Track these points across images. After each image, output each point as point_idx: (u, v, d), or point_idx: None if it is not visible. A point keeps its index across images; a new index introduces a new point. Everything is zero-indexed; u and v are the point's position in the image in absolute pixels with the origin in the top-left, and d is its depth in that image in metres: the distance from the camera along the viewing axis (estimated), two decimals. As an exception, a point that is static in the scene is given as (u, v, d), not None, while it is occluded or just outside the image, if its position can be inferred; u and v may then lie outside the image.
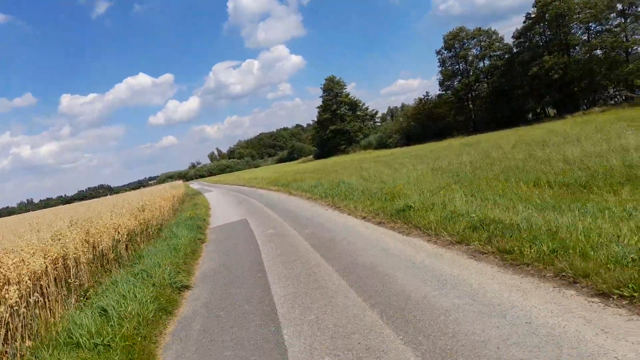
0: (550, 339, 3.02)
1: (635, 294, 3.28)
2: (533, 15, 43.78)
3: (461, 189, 8.68)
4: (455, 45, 52.51)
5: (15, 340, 4.16)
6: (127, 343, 4.11)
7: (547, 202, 6.44)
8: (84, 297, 5.67)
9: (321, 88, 74.02)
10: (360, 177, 16.65)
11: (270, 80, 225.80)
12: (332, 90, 73.17)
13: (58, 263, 5.79)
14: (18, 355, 4.03)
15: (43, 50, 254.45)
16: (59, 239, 6.18)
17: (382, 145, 60.29)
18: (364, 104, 73.65)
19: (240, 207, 16.76)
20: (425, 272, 4.95)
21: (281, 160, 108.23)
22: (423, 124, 55.43)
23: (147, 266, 6.48)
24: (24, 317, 4.38)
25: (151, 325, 4.71)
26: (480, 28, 50.91)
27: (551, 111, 46.08)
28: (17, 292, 4.26)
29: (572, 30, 42.82)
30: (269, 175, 38.75)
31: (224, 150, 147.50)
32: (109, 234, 7.34)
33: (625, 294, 3.34)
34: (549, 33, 43.97)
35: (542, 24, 43.17)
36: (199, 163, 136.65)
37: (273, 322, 4.41)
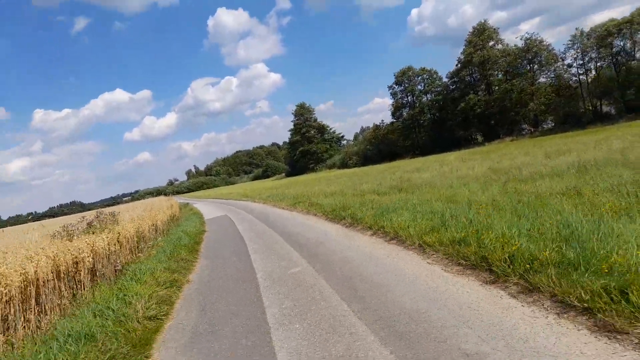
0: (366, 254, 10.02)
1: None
2: (462, 60, 52.75)
3: (341, 196, 15.88)
4: (405, 81, 61.17)
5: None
6: (195, 240, 10.92)
7: (381, 194, 13.58)
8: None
9: (292, 113, 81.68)
10: (300, 190, 23.88)
11: (249, 97, 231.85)
12: (303, 115, 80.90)
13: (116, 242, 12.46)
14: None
15: (18, 64, 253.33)
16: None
17: (344, 165, 67.99)
18: (331, 128, 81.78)
19: (222, 210, 23.51)
20: (303, 225, 11.92)
21: (256, 178, 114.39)
22: (378, 148, 63.56)
23: (185, 229, 13.35)
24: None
25: (199, 235, 11.55)
26: (424, 68, 59.86)
27: (480, 138, 54.77)
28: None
29: (495, 73, 52.01)
30: (240, 191, 45.86)
31: (202, 167, 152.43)
32: (157, 219, 14.08)
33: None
34: (475, 75, 53.02)
35: (469, 68, 52.14)
36: (176, 180, 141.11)
37: (243, 243, 11.25)
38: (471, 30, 52.10)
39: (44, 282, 5.52)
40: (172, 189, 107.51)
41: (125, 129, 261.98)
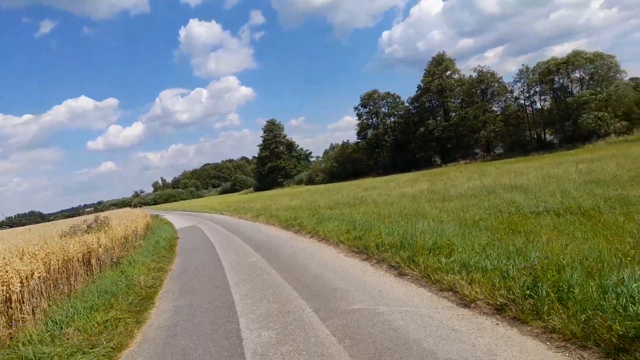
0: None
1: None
2: (422, 87, 57.50)
3: (298, 210, 18.88)
4: (370, 103, 65.46)
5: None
6: (170, 244, 13.53)
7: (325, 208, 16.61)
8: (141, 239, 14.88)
9: (262, 129, 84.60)
10: (264, 204, 26.71)
11: (219, 110, 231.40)
12: (272, 132, 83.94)
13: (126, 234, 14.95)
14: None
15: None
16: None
17: (311, 181, 71.19)
18: (298, 145, 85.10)
19: (191, 221, 25.95)
20: (261, 232, 14.76)
21: (225, 192, 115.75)
22: (344, 166, 67.24)
23: (160, 235, 15.88)
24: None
25: (174, 240, 14.16)
26: (388, 92, 64.43)
27: (438, 160, 59.30)
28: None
29: (452, 101, 56.98)
30: (208, 204, 48.07)
31: (169, 179, 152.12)
32: (137, 226, 16.54)
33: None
34: (434, 102, 57.85)
35: (428, 95, 56.89)
36: (142, 191, 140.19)
37: (211, 244, 13.96)
38: (430, 60, 57.17)
39: (76, 260, 8.17)
40: (138, 201, 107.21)
41: (88, 137, 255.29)
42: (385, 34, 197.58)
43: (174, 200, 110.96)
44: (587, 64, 45.11)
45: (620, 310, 3.22)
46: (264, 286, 7.05)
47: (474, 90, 54.17)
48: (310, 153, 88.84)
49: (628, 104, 43.02)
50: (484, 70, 52.87)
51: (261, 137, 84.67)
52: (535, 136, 50.60)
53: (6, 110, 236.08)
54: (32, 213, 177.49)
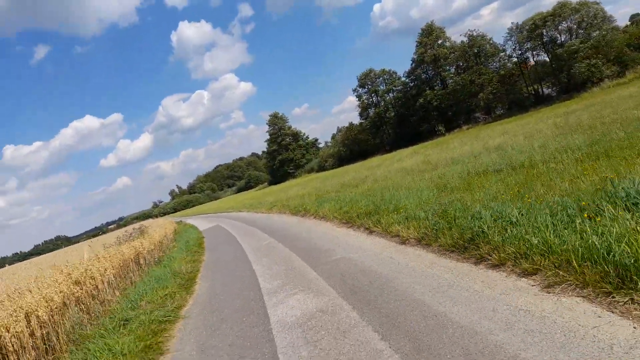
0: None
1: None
2: (416, 60, 58.74)
3: (306, 197, 21.20)
4: (368, 83, 66.93)
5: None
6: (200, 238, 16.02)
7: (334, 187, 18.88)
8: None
9: (267, 123, 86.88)
10: (277, 196, 29.19)
11: (222, 109, 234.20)
12: (277, 124, 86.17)
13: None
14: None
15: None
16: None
17: (321, 168, 73.46)
18: (304, 134, 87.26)
19: (212, 222, 28.55)
20: (274, 221, 17.12)
21: (240, 190, 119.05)
22: (351, 148, 69.24)
23: (188, 237, 18.42)
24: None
25: (201, 239, 16.68)
26: (384, 69, 65.72)
27: (442, 128, 60.68)
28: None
29: (447, 68, 58.16)
30: (225, 204, 50.89)
31: (184, 186, 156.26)
32: (167, 231, 19.10)
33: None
34: (430, 72, 59.13)
35: (422, 66, 58.17)
36: (161, 202, 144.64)
37: (232, 236, 16.40)
38: (420, 31, 58.23)
39: (130, 260, 10.67)
40: (158, 211, 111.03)
41: (99, 156, 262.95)
42: (376, 7, 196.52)
43: (193, 206, 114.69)
44: (573, 13, 45.86)
45: (475, 228, 5.43)
46: (276, 257, 9.41)
47: (467, 55, 55.27)
48: (316, 140, 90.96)
49: (619, 47, 43.79)
50: (474, 33, 53.94)
51: (267, 131, 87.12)
52: (533, 92, 51.67)
53: (16, 141, 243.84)
54: (58, 238, 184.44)
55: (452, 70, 58.44)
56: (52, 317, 6.09)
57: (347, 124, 76.50)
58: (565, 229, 4.39)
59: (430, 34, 57.15)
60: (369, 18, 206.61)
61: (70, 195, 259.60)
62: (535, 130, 18.58)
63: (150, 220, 72.41)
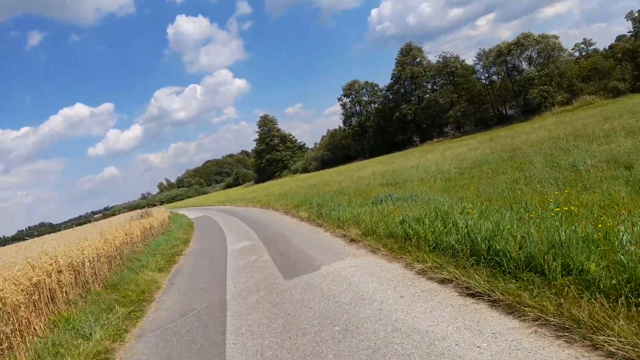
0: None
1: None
2: (395, 76, 65.42)
3: (278, 195, 27.59)
4: (352, 93, 73.49)
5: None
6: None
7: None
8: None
9: (257, 124, 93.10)
10: (257, 194, 35.49)
11: (215, 104, 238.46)
12: (266, 126, 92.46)
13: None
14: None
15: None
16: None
17: (305, 170, 79.80)
18: (292, 136, 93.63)
19: (200, 212, 34.77)
20: (248, 211, 23.44)
21: (228, 186, 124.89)
22: (334, 152, 75.73)
23: (181, 221, 24.69)
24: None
25: (191, 223, 23.02)
26: (367, 81, 72.37)
27: (417, 140, 67.45)
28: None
29: (423, 85, 64.90)
30: (213, 199, 57.18)
31: (172, 179, 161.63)
32: (164, 216, 25.29)
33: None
34: (408, 87, 65.83)
35: (400, 82, 64.88)
36: (149, 194, 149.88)
37: (215, 221, 22.70)
38: (399, 50, 64.97)
39: (147, 228, 16.93)
40: (145, 202, 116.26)
41: (88, 145, 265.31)
42: (374, 11, 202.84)
43: (180, 199, 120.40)
44: (534, 45, 52.75)
45: (323, 211, 11.81)
46: (239, 229, 15.77)
47: (441, 74, 62.04)
48: (304, 144, 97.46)
49: (569, 77, 50.74)
50: (448, 55, 60.73)
51: (256, 132, 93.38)
52: (497, 112, 58.55)
53: (4, 125, 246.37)
54: (42, 224, 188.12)
55: (429, 86, 65.20)
56: (117, 247, 12.31)
57: (338, 127, 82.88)
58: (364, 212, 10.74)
59: (408, 53, 63.85)
60: (366, 22, 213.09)
61: (56, 182, 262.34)
62: (461, 151, 25.07)
63: (146, 209, 78.46)
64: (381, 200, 11.40)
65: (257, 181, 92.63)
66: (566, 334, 3.25)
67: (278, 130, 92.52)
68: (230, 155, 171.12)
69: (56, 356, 5.52)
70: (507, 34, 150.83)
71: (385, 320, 4.42)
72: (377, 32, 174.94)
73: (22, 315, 6.38)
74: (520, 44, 53.23)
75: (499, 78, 58.26)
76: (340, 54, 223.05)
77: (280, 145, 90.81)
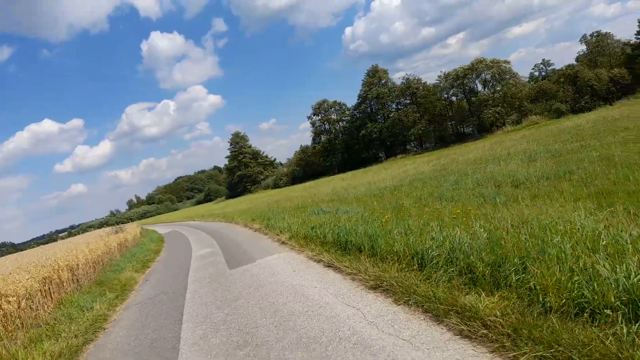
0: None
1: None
2: (361, 96, 69.75)
3: (242, 211, 30.58)
4: (321, 112, 77.40)
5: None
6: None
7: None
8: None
9: (229, 142, 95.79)
10: (225, 210, 38.34)
11: (188, 120, 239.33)
12: (238, 143, 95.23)
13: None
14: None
15: None
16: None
17: (276, 185, 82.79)
18: (264, 153, 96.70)
19: (170, 228, 37.29)
20: (212, 225, 26.36)
21: (199, 202, 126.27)
22: (304, 169, 79.08)
23: (152, 236, 27.32)
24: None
25: (162, 238, 25.77)
26: (335, 100, 76.54)
27: (383, 156, 71.63)
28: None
29: (388, 104, 69.36)
30: (183, 215, 59.49)
31: (142, 196, 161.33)
32: (137, 231, 27.88)
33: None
34: (374, 107, 70.18)
35: (366, 102, 69.22)
36: (117, 211, 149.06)
37: (183, 235, 25.52)
38: (366, 72, 69.54)
39: (122, 243, 19.69)
40: (115, 219, 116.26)
41: (55, 161, 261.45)
42: (347, 30, 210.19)
43: (151, 216, 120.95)
44: (487, 69, 57.95)
45: (265, 220, 15.02)
46: (203, 239, 18.74)
47: (404, 94, 66.67)
48: (274, 160, 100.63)
49: (519, 99, 55.93)
50: (411, 77, 65.52)
51: (228, 149, 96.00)
52: (456, 130, 63.37)
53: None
54: (3, 244, 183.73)
55: (393, 106, 69.71)
56: (99, 256, 15.08)
57: (307, 144, 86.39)
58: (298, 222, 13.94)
59: (374, 75, 68.37)
60: (340, 41, 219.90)
61: (20, 200, 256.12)
62: (409, 169, 28.71)
63: (119, 225, 79.73)
64: (317, 212, 14.66)
65: (229, 197, 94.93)
66: (379, 289, 6.53)
67: (250, 146, 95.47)
68: (202, 171, 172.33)
69: (70, 318, 8.45)
70: (476, 52, 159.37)
71: (280, 282, 7.65)
72: (350, 50, 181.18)
73: (39, 296, 9.27)
74: (475, 68, 58.34)
75: (457, 99, 63.26)
76: (315, 71, 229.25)
77: (252, 161, 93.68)
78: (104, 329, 7.86)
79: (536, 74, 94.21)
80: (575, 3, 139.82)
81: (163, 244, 22.25)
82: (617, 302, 3.37)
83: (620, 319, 3.24)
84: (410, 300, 5.04)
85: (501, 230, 5.64)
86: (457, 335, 4.01)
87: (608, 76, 49.90)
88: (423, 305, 4.77)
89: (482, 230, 5.82)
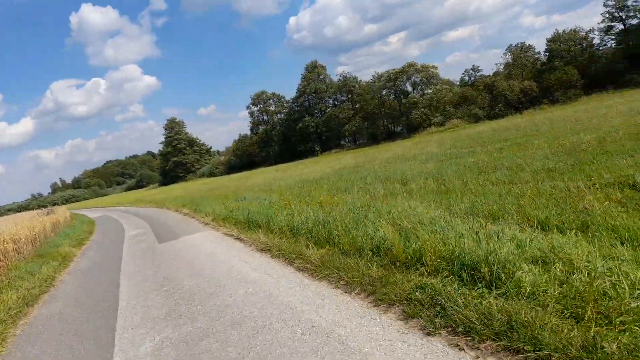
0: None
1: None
2: (300, 90, 72.52)
3: (176, 198, 32.33)
4: (260, 102, 79.23)
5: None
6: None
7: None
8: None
9: (164, 127, 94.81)
10: (158, 197, 39.67)
11: (120, 101, 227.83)
12: (173, 129, 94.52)
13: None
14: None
15: None
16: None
17: (212, 174, 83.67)
18: (200, 140, 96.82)
19: (100, 212, 37.97)
20: (144, 210, 28.00)
21: (130, 188, 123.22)
22: (241, 158, 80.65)
23: (82, 219, 28.39)
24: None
25: (92, 221, 27.03)
26: (274, 92, 78.79)
27: (318, 149, 74.98)
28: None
29: (326, 100, 72.67)
30: (112, 200, 59.33)
31: (68, 180, 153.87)
32: (67, 215, 28.80)
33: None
34: (312, 101, 73.22)
35: (304, 96, 72.10)
36: (40, 194, 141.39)
37: (115, 218, 26.96)
38: (305, 66, 72.33)
39: (54, 224, 21.03)
40: (37, 203, 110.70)
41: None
42: (292, 20, 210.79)
43: (77, 201, 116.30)
44: (416, 73, 62.85)
45: (195, 207, 17.38)
46: (135, 222, 20.63)
47: (341, 91, 70.33)
48: (211, 148, 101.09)
49: (444, 103, 61.39)
50: (348, 75, 69.24)
51: (163, 135, 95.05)
52: (387, 128, 68.07)
53: None
54: None
55: (330, 102, 73.20)
56: (36, 233, 16.62)
57: (247, 133, 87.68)
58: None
59: (313, 70, 71.33)
60: (284, 30, 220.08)
61: None
62: (335, 164, 31.81)
63: (50, 207, 76.38)
64: (239, 200, 17.22)
65: (162, 184, 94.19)
66: (265, 250, 9.24)
67: (186, 133, 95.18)
68: (135, 156, 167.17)
69: (22, 279, 10.44)
70: (416, 52, 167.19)
71: (198, 250, 10.24)
72: (294, 40, 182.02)
73: (-9, 263, 11.11)
74: (406, 71, 63.06)
75: (389, 99, 67.88)
76: (257, 59, 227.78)
77: (187, 148, 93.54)
78: (54, 286, 9.99)
79: (466, 78, 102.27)
80: (507, 14, 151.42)
81: (94, 226, 23.67)
82: (368, 245, 6.36)
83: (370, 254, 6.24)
84: (279, 254, 7.87)
85: (343, 212, 8.64)
86: (297, 270, 6.88)
87: (519, 87, 56.37)
88: (285, 256, 7.61)
89: (333, 212, 8.79)
